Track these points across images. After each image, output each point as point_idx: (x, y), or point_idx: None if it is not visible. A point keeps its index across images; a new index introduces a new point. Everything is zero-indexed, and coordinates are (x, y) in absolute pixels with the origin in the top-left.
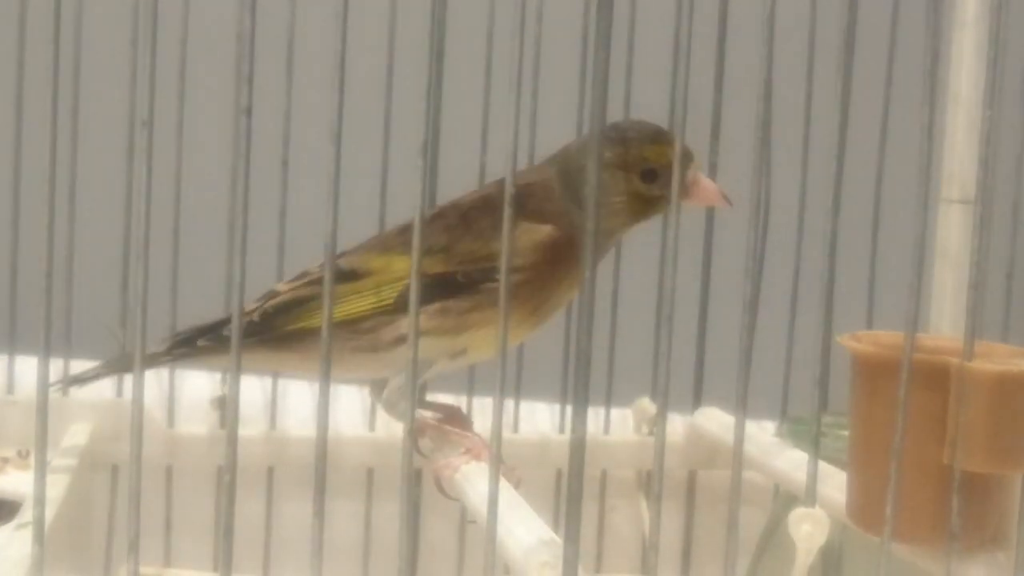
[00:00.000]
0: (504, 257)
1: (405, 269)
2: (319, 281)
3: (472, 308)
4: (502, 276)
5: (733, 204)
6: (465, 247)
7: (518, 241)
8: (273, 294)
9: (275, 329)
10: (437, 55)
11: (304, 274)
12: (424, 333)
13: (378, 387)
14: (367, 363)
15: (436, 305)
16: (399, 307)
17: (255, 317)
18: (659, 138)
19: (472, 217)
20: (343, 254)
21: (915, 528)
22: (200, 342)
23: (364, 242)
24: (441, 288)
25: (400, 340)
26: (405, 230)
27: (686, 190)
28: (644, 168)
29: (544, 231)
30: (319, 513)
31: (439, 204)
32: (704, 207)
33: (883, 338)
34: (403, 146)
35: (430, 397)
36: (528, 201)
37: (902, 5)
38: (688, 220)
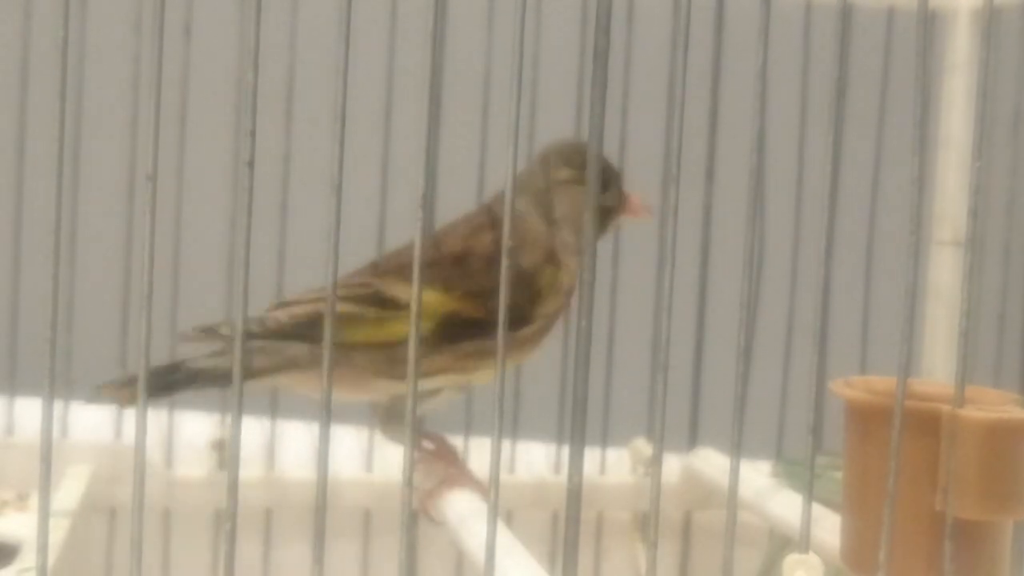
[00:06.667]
0: (502, 304)
1: (438, 303)
2: (363, 300)
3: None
4: (500, 325)
5: (651, 215)
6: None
7: (552, 290)
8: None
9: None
10: (435, 99)
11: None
12: (447, 370)
13: (380, 408)
14: (383, 388)
15: (470, 346)
16: (436, 340)
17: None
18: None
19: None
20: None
21: (908, 573)
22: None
23: (382, 263)
24: (474, 330)
25: (425, 374)
26: (433, 264)
27: (625, 203)
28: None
29: (570, 275)
30: (318, 560)
31: (462, 229)
32: (639, 219)
33: (876, 383)
34: (400, 193)
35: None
36: (537, 240)
37: (892, 50)
38: (683, 266)
